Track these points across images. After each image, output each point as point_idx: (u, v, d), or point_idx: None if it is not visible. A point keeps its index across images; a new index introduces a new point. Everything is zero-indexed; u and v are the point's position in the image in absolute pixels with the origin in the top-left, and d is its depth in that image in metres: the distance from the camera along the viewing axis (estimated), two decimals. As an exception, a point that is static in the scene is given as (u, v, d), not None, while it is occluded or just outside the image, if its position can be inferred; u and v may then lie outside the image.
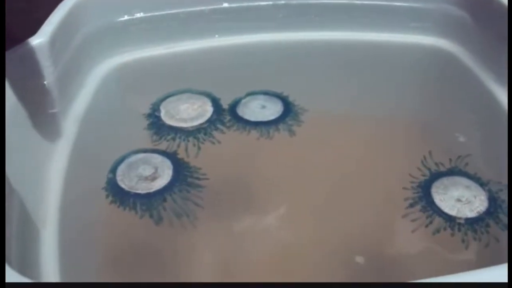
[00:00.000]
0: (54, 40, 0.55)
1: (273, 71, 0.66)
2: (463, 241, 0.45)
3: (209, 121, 0.58)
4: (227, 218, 0.49)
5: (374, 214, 0.48)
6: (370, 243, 0.45)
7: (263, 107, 0.61)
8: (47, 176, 0.51)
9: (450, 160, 0.52)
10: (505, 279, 0.29)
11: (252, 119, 0.59)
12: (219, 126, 0.58)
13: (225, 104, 0.61)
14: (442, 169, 0.51)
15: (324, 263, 0.44)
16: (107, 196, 0.50)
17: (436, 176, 0.50)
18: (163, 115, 0.59)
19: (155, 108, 0.61)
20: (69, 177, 0.51)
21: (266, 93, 0.62)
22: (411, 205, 0.48)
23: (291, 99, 0.62)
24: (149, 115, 0.59)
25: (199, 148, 0.55)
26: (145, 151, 0.55)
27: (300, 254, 0.45)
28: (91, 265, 0.46)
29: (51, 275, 0.43)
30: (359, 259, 0.44)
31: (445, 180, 0.50)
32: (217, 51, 0.67)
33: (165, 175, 0.53)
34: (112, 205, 0.49)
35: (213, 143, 0.56)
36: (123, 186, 0.52)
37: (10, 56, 0.51)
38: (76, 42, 0.61)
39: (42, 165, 0.52)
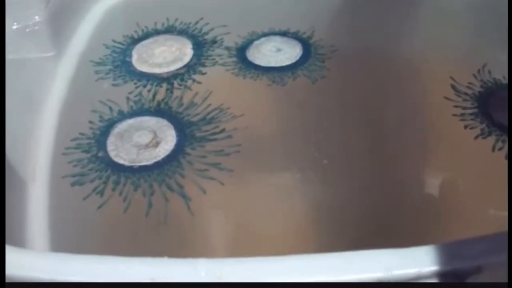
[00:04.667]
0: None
1: (295, 7, 0.55)
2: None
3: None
4: (259, 169, 0.42)
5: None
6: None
7: (279, 50, 0.50)
8: (37, 125, 0.45)
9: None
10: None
11: (263, 64, 0.49)
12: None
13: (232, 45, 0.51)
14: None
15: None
16: (104, 182, 0.41)
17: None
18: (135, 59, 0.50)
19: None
20: (62, 126, 0.45)
21: (284, 34, 0.52)
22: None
23: (313, 40, 0.51)
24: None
25: (205, 98, 0.46)
26: (131, 115, 0.45)
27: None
28: (86, 225, 0.40)
29: (37, 235, 0.38)
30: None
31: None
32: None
33: (169, 136, 0.44)
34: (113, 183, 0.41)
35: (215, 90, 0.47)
36: (121, 161, 0.43)
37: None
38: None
39: (31, 114, 0.46)
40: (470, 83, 0.45)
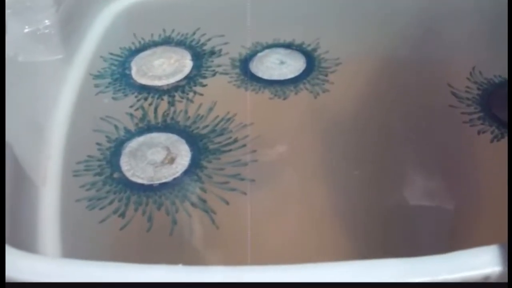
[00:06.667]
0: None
1: (300, 19, 0.55)
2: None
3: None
4: (279, 177, 0.43)
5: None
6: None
7: (282, 62, 0.51)
8: (48, 129, 0.44)
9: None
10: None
11: (266, 76, 0.50)
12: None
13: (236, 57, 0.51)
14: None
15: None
16: (126, 205, 0.40)
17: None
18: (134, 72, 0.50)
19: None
20: (73, 130, 0.44)
21: (288, 46, 0.52)
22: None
23: (318, 53, 0.51)
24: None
25: (210, 109, 0.46)
26: (139, 133, 0.45)
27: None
28: (99, 230, 0.39)
29: (49, 240, 0.38)
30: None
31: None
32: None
33: (183, 151, 0.44)
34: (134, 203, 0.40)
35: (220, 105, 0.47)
36: (139, 181, 0.42)
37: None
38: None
39: (42, 117, 0.45)
40: (467, 87, 0.47)
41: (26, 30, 0.46)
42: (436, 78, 0.48)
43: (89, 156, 0.44)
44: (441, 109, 0.45)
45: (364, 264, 0.29)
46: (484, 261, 0.27)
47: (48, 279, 0.27)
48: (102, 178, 0.43)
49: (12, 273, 0.28)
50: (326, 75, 0.49)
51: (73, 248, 0.40)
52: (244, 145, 0.45)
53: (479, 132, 0.44)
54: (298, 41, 0.52)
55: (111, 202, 0.42)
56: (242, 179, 0.42)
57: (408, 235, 0.38)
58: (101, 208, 0.41)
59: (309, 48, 0.52)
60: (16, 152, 0.41)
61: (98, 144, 0.45)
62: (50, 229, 0.41)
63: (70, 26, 0.50)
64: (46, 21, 0.46)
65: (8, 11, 0.42)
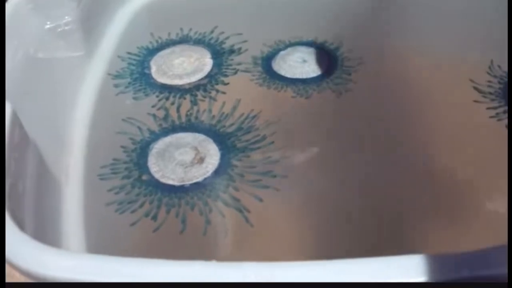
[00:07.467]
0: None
1: (323, 18, 0.55)
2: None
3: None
4: (312, 172, 0.42)
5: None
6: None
7: (304, 61, 0.51)
8: (68, 128, 0.43)
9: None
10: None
11: (288, 75, 0.49)
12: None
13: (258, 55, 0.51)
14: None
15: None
16: (158, 207, 0.39)
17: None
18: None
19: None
20: (94, 131, 0.43)
21: (311, 44, 0.51)
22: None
23: (340, 52, 0.51)
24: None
25: (234, 107, 0.45)
26: (164, 133, 0.44)
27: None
28: (130, 234, 0.38)
29: (73, 239, 0.38)
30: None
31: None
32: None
33: (211, 150, 0.43)
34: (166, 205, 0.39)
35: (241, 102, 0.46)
36: (170, 182, 0.41)
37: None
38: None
39: (62, 115, 0.44)
40: (489, 81, 0.48)
41: (47, 26, 0.44)
42: (458, 74, 0.49)
43: (114, 159, 0.43)
44: (466, 105, 0.46)
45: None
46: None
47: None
48: (131, 181, 0.42)
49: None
50: (349, 74, 0.49)
51: (104, 252, 0.39)
52: (273, 142, 0.44)
53: (507, 126, 0.44)
54: (320, 40, 0.52)
55: (142, 205, 0.41)
56: (274, 176, 0.42)
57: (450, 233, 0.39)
58: (132, 212, 0.40)
59: (332, 47, 0.52)
60: (39, 148, 0.39)
61: (122, 147, 0.44)
62: (76, 233, 0.40)
63: (90, 23, 0.48)
64: (67, 17, 0.45)
65: (29, 6, 0.40)
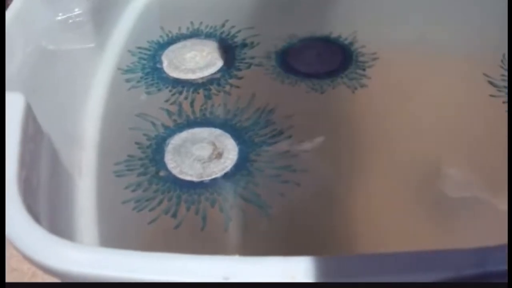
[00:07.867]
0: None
1: (337, 12, 0.54)
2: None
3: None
4: (331, 167, 0.42)
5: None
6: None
7: (318, 55, 0.50)
8: (80, 122, 0.42)
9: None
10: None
11: (303, 69, 0.49)
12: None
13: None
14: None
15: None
16: (177, 204, 0.38)
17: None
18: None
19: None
20: (106, 126, 0.41)
21: (326, 39, 0.50)
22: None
23: (355, 47, 0.50)
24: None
25: (249, 102, 0.44)
26: (180, 128, 0.43)
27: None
28: (149, 232, 0.37)
29: (87, 235, 0.37)
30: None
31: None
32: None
33: (229, 145, 0.42)
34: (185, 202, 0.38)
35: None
36: (188, 178, 0.40)
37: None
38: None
39: (72, 109, 0.43)
40: (502, 75, 0.47)
41: (58, 18, 0.43)
42: (472, 68, 0.49)
43: (129, 155, 0.42)
44: (482, 100, 0.45)
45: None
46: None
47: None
48: (148, 178, 0.40)
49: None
50: (364, 70, 0.49)
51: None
52: (290, 136, 0.44)
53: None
54: (334, 35, 0.52)
55: (160, 202, 0.39)
56: (294, 171, 0.41)
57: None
58: (150, 210, 0.39)
59: (346, 42, 0.51)
60: (52, 141, 0.37)
61: (137, 143, 0.42)
62: (91, 229, 0.38)
63: (101, 15, 0.47)
64: (77, 9, 0.44)
65: (40, -3, 0.39)
